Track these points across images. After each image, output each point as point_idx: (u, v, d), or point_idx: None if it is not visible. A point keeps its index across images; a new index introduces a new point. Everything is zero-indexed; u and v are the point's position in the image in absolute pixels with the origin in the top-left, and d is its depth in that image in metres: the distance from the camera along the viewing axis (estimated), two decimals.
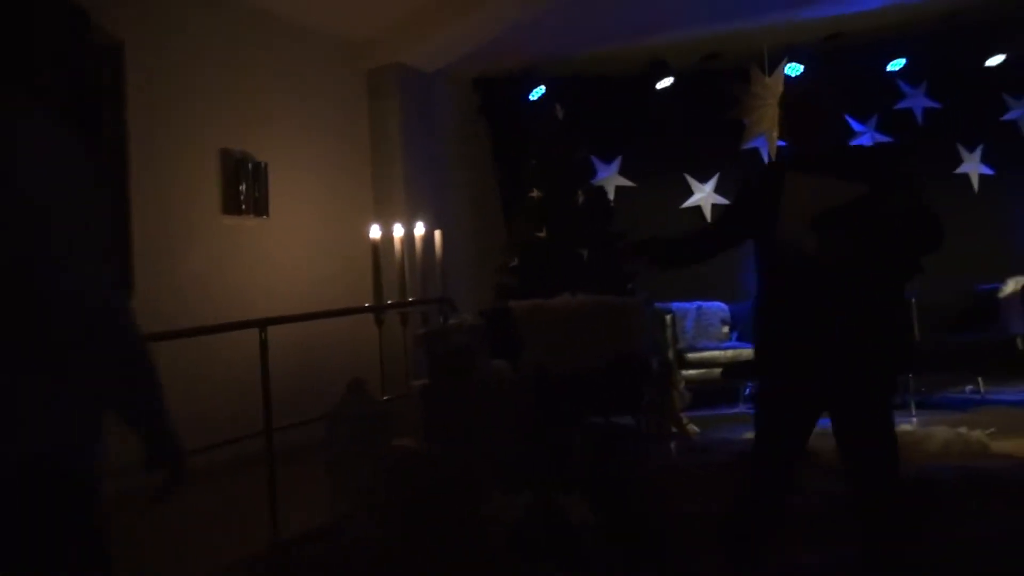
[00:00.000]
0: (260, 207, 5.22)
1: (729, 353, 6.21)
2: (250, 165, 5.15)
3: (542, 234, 6.67)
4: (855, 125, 7.54)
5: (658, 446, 5.22)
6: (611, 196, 7.21)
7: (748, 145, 7.22)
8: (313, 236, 5.61)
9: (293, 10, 5.45)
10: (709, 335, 6.76)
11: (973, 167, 7.51)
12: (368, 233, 4.92)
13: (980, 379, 6.44)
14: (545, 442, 4.25)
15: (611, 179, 7.26)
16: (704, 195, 7.39)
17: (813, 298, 2.49)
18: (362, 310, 4.90)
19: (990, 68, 7.36)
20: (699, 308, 6.88)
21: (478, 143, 7.27)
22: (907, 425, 5.01)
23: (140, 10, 4.60)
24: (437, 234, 5.18)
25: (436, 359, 4.15)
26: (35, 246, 1.35)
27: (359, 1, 5.58)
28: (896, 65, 7.43)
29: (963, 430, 4.64)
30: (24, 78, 1.42)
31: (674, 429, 5.44)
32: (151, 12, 4.67)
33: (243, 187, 5.10)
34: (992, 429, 4.73)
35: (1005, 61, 7.29)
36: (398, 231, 5.08)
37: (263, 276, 5.20)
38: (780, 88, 6.70)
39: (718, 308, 6.94)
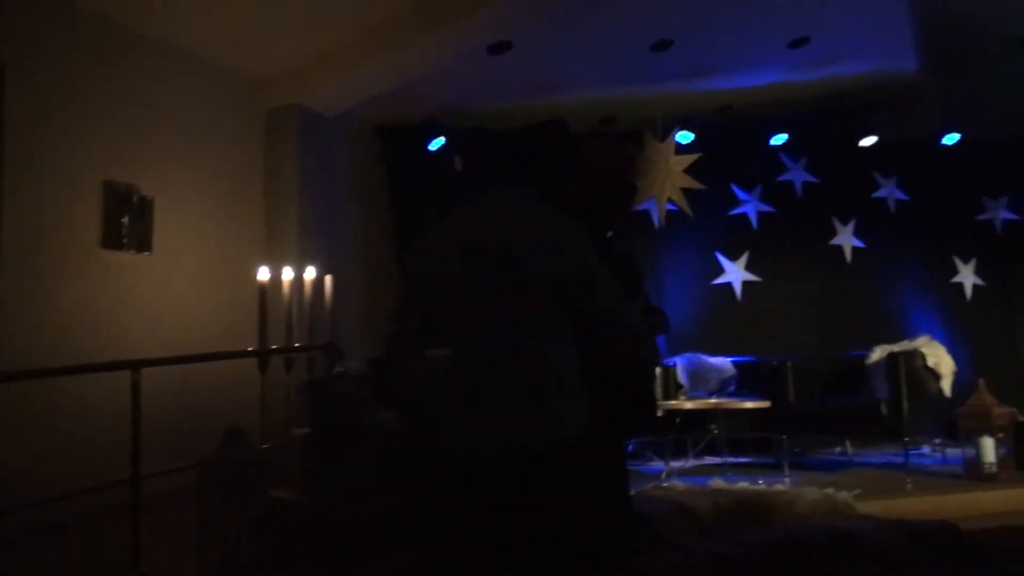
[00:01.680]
0: (143, 242, 5.02)
1: None
2: (135, 198, 4.97)
3: None
4: (740, 194, 7.90)
5: None
6: None
7: (640, 207, 7.44)
8: (198, 275, 5.43)
9: (192, 42, 5.35)
10: None
11: (846, 239, 7.96)
12: (256, 275, 4.81)
13: (848, 442, 6.76)
14: (432, 495, 4.19)
15: None
16: None
17: None
18: (244, 354, 4.76)
19: (864, 148, 7.88)
20: None
21: (376, 191, 7.24)
22: (780, 485, 5.18)
23: (27, 32, 4.42)
24: (328, 279, 5.10)
25: (319, 407, 4.06)
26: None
27: (260, 39, 5.52)
28: (779, 140, 7.86)
29: (831, 491, 4.83)
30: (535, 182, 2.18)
31: None
32: (39, 35, 4.49)
33: (126, 220, 4.91)
34: (858, 490, 4.93)
35: (877, 143, 7.83)
36: (287, 274, 4.98)
37: (142, 314, 4.99)
38: (672, 154, 6.98)
39: None
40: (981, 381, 5.84)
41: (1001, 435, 5.61)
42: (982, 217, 8.13)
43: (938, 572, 3.93)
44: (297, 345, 4.83)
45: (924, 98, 7.63)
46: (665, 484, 5.33)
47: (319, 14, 5.34)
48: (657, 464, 6.46)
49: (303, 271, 5.10)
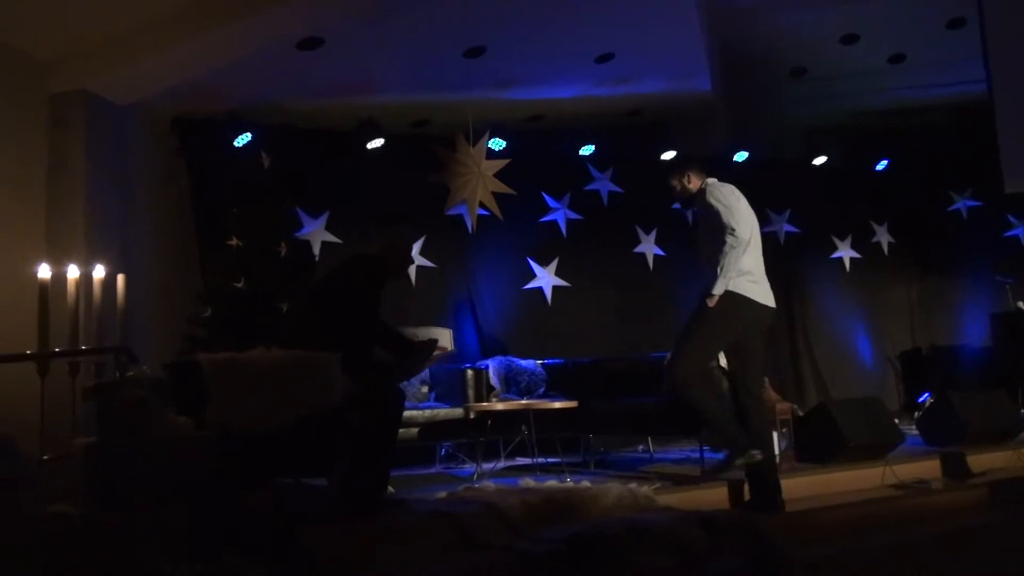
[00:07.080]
0: None
1: (427, 413, 6.26)
2: None
3: (240, 285, 6.36)
4: (550, 202, 8.11)
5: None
6: (316, 251, 7.07)
7: (452, 211, 7.46)
8: None
9: None
10: (407, 395, 6.78)
11: (648, 248, 8.38)
12: (36, 272, 4.38)
13: (649, 439, 7.08)
14: (226, 505, 3.98)
15: (317, 233, 7.13)
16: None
17: None
18: (19, 358, 4.32)
19: (664, 161, 8.31)
20: None
21: (176, 186, 6.81)
22: (585, 482, 5.34)
23: None
24: (120, 278, 4.73)
25: (107, 415, 3.75)
26: None
27: (44, 16, 5.07)
28: (587, 150, 8.15)
29: (633, 485, 5.02)
30: None
31: None
32: None
33: None
34: (658, 484, 5.16)
35: (675, 157, 8.28)
36: (73, 272, 4.58)
37: None
38: (483, 158, 7.06)
39: None
40: (766, 379, 6.27)
41: (784, 429, 6.05)
42: (768, 229, 8.78)
43: (728, 557, 4.17)
44: (83, 348, 4.44)
45: (716, 117, 8.18)
46: (477, 485, 5.35)
47: None
48: (469, 467, 6.49)
49: (91, 269, 4.71)
